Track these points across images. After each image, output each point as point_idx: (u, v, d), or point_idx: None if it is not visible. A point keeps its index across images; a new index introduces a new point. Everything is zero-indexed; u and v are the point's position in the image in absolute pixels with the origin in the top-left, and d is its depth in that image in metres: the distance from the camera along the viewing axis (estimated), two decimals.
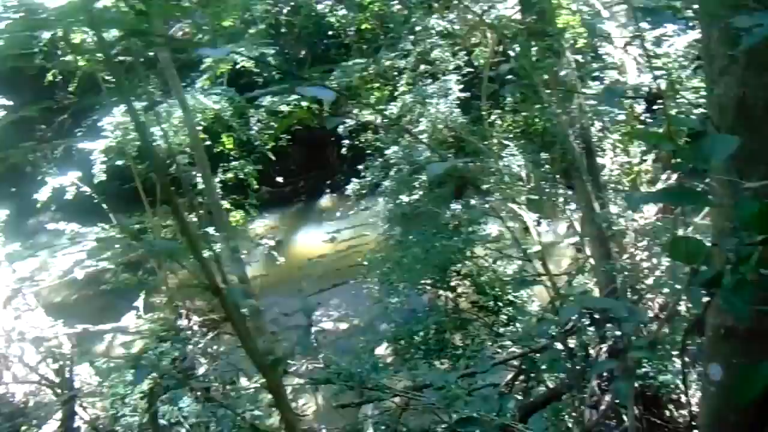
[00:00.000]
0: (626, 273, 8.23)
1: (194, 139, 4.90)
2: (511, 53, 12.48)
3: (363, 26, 12.81)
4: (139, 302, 11.91)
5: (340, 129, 13.38)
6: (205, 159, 4.60)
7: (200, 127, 11.57)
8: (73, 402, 7.42)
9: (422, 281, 10.00)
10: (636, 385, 6.98)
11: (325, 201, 18.54)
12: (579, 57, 9.48)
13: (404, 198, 11.23)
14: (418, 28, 12.86)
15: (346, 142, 13.94)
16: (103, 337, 12.24)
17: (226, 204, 12.20)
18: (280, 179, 16.84)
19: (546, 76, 8.53)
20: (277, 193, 16.85)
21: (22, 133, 17.60)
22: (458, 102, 11.61)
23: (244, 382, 10.01)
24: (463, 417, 3.64)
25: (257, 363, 2.76)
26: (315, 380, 7.43)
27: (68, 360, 8.77)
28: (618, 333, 7.20)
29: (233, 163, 12.09)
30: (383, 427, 7.79)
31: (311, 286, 12.16)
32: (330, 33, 17.06)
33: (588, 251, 9.17)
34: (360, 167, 12.82)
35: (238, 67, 12.20)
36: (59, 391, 7.67)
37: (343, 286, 12.72)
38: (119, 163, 11.28)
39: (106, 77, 11.22)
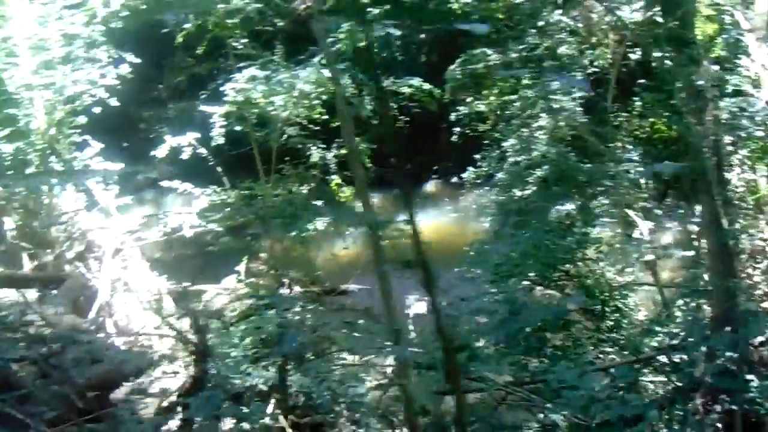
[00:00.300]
0: (746, 292, 8.01)
1: (341, 113, 4.86)
2: (634, 57, 12.37)
3: (496, 16, 12.66)
4: (241, 267, 12.01)
5: (453, 116, 13.34)
6: (352, 134, 4.55)
7: (318, 101, 11.63)
8: (208, 359, 7.47)
9: (530, 278, 9.89)
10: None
11: (430, 186, 18.49)
12: (716, 67, 9.24)
13: (517, 192, 11.15)
14: (541, 23, 12.71)
15: (457, 129, 13.89)
16: (201, 297, 12.33)
17: (337, 179, 12.24)
18: (393, 160, 16.85)
19: (682, 84, 8.32)
20: (383, 173, 16.80)
21: (140, 91, 18.01)
22: (581, 101, 11.46)
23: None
24: (605, 421, 3.56)
25: (444, 343, 2.71)
26: (418, 364, 7.35)
27: (204, 317, 8.84)
28: (728, 354, 7.02)
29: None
30: (473, 419, 7.70)
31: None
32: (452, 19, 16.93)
33: (704, 266, 8.96)
34: (468, 156, 12.77)
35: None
36: (196, 347, 7.73)
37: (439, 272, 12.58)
38: (237, 128, 11.38)
39: (234, 44, 11.35)
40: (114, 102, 12.51)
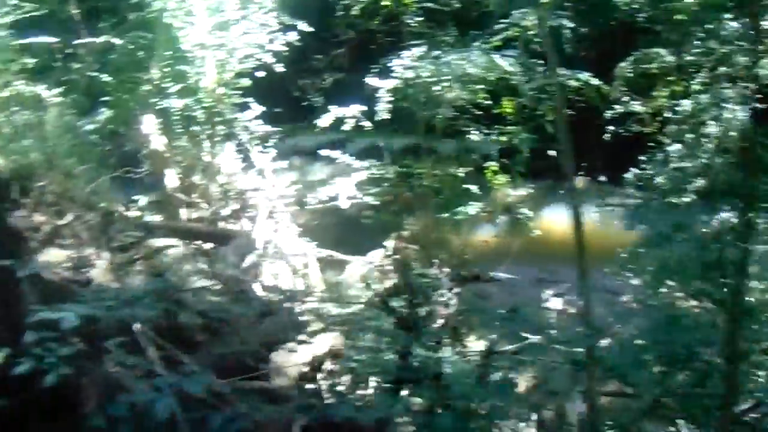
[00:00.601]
0: None
1: (558, 105, 4.82)
2: None
3: (675, 17, 12.43)
4: (389, 242, 12.04)
5: (608, 113, 13.15)
6: (565, 125, 4.51)
7: (481, 86, 11.56)
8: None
9: (686, 288, 9.63)
10: None
11: (577, 182, 18.20)
12: None
13: (677, 199, 10.90)
14: (709, 27, 12.39)
15: (611, 128, 13.69)
16: (341, 267, 12.43)
17: (493, 165, 12.16)
18: (552, 152, 16.61)
19: None
20: (532, 165, 16.68)
21: (297, 60, 18.29)
22: (756, 111, 11.12)
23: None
24: None
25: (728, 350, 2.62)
26: (577, 362, 7.25)
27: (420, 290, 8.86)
28: None
29: (510, 127, 12.00)
30: (614, 425, 7.57)
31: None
32: (617, 15, 16.65)
33: None
34: (618, 156, 12.56)
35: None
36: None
37: (569, 271, 12.54)
38: (401, 105, 11.40)
39: (408, 21, 11.39)
40: (280, 68, 12.76)
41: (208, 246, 10.96)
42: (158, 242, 9.95)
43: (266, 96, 13.91)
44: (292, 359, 7.98)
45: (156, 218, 11.56)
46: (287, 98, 18.90)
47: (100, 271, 8.11)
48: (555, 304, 12.44)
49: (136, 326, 5.80)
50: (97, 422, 3.97)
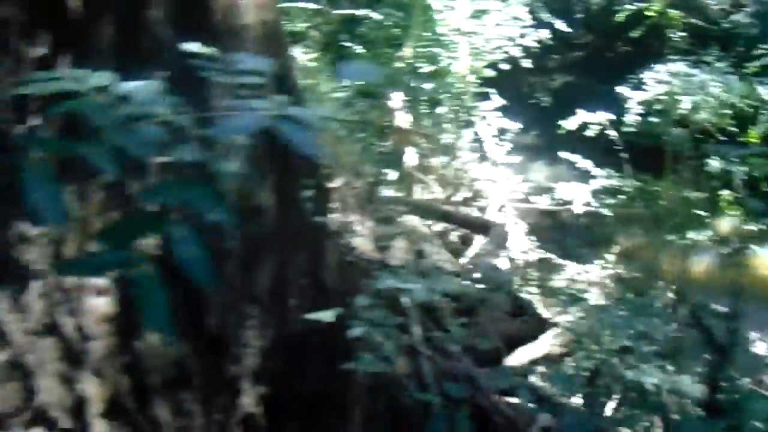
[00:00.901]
0: None
1: None
2: None
3: None
4: (610, 255, 11.98)
5: None
6: None
7: (730, 111, 11.38)
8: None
9: None
10: None
11: None
12: None
13: None
14: None
15: None
16: (556, 271, 12.41)
17: (730, 194, 11.93)
18: None
19: None
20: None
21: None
22: None
23: None
24: None
25: None
26: None
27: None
28: None
29: (753, 158, 11.75)
30: None
31: None
32: None
33: None
34: None
35: None
36: None
37: None
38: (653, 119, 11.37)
39: (670, 35, 11.33)
40: (527, 64, 12.87)
41: (458, 230, 11.12)
42: (411, 219, 10.14)
43: (496, 89, 14.06)
44: (514, 357, 8.06)
45: (394, 194, 11.78)
46: (515, 93, 18.90)
47: (362, 240, 8.35)
48: (759, 349, 12.14)
49: (406, 302, 5.97)
50: (430, 398, 4.16)
